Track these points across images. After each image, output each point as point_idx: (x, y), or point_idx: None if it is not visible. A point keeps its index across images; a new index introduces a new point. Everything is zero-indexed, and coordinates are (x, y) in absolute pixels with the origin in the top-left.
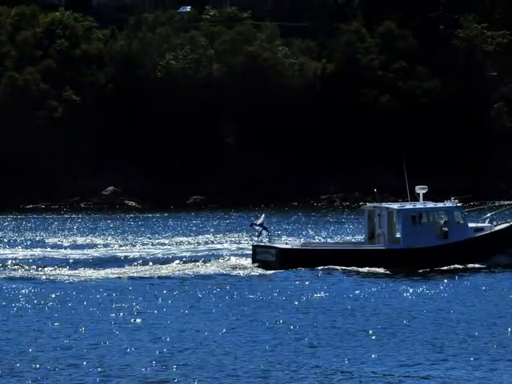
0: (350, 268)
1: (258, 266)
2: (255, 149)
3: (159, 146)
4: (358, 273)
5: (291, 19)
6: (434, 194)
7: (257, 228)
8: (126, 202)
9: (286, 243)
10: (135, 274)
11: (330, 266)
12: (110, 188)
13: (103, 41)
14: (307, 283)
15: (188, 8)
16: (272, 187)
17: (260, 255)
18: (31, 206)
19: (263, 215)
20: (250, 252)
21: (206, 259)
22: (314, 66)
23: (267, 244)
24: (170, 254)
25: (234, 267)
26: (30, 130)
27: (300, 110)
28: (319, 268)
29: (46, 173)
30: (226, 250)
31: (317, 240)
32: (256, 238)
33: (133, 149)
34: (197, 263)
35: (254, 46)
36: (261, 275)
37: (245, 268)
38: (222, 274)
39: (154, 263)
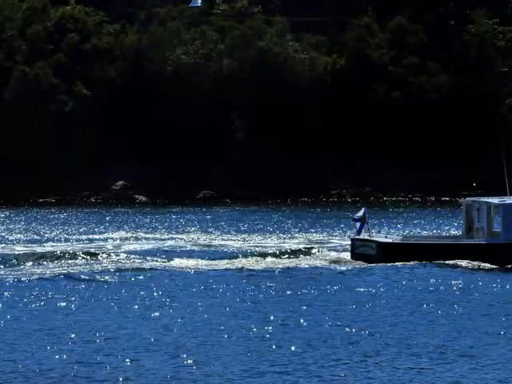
0: (451, 262)
1: (358, 260)
2: (265, 144)
3: (169, 141)
4: (465, 267)
5: (302, 14)
6: (444, 189)
7: (357, 222)
8: (136, 196)
9: (386, 237)
10: (236, 266)
11: (431, 261)
12: (120, 182)
13: (114, 35)
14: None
15: (199, 2)
16: (282, 182)
17: (359, 249)
18: (42, 200)
19: (363, 209)
20: (348, 246)
21: (305, 253)
22: (325, 61)
23: (367, 237)
24: (260, 247)
25: (335, 261)
26: (41, 124)
27: (310, 105)
28: (423, 262)
29: (56, 167)
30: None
31: (412, 234)
32: (356, 234)
33: (143, 143)
34: (295, 257)
35: (265, 41)
36: (369, 268)
37: (346, 261)
38: (325, 268)
39: (253, 256)
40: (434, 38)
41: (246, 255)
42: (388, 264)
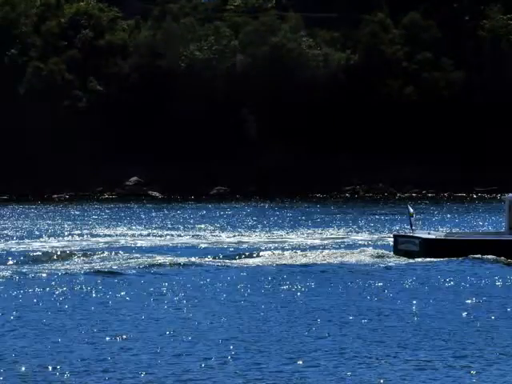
0: (494, 257)
1: (401, 256)
2: (278, 140)
3: (182, 137)
4: (509, 263)
5: (315, 10)
6: (457, 185)
7: (411, 219)
8: (150, 192)
9: (429, 233)
10: (284, 262)
11: (474, 256)
12: (134, 178)
13: (128, 31)
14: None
15: None
16: (295, 178)
17: (402, 245)
18: (56, 196)
19: (409, 206)
20: (389, 242)
21: (347, 249)
22: (338, 57)
23: (409, 234)
24: (303, 244)
25: (378, 256)
26: (55, 119)
27: (324, 101)
28: (470, 257)
29: (69, 163)
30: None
31: (456, 230)
32: (411, 230)
33: (156, 139)
34: (337, 252)
35: (278, 37)
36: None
37: (389, 257)
38: (373, 264)
39: (295, 251)
40: (447, 34)
41: (284, 250)
42: (434, 259)
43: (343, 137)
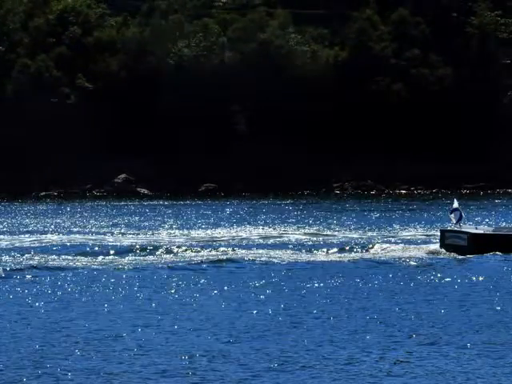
0: None
1: (447, 251)
2: (267, 136)
3: (171, 134)
4: None
5: (304, 6)
6: (446, 181)
7: (452, 215)
8: (138, 189)
9: (476, 228)
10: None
11: None
12: (122, 175)
13: (116, 28)
14: None
15: None
16: (283, 175)
17: (449, 240)
18: (44, 193)
19: (455, 200)
20: (436, 237)
21: (391, 244)
22: (327, 54)
23: (456, 229)
24: (343, 241)
25: (428, 252)
26: (43, 116)
27: (312, 97)
28: None
29: (58, 160)
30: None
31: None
32: (455, 224)
33: (145, 136)
34: (383, 248)
35: (267, 34)
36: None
37: (437, 252)
38: (422, 258)
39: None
40: (436, 30)
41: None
42: (484, 255)
43: (331, 133)
